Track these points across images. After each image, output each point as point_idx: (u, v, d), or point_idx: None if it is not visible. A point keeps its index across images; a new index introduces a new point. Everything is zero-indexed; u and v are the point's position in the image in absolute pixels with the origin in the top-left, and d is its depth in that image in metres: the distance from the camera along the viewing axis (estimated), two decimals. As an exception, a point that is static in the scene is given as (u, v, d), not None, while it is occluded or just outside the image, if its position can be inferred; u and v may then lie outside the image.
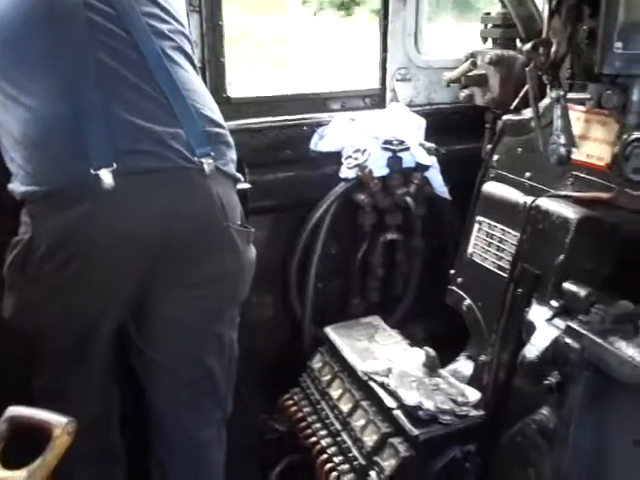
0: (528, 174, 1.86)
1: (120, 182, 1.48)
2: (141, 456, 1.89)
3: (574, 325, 1.48)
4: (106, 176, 1.47)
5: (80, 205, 1.48)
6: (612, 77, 1.37)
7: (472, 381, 1.98)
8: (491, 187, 1.96)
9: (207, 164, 1.59)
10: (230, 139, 1.72)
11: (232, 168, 1.71)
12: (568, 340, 1.47)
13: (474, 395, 1.87)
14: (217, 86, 2.22)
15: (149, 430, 1.86)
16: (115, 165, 1.48)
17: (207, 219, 1.62)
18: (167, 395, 1.80)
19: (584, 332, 1.45)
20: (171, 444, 1.84)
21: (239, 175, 1.75)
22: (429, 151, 2.31)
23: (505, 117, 2.00)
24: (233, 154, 1.73)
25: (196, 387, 1.80)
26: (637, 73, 1.31)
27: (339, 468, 1.92)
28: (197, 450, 1.86)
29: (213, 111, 1.68)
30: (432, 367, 1.97)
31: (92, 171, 1.46)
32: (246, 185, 2.09)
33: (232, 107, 2.23)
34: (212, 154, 1.61)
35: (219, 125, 1.68)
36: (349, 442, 1.94)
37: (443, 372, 1.98)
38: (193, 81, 1.67)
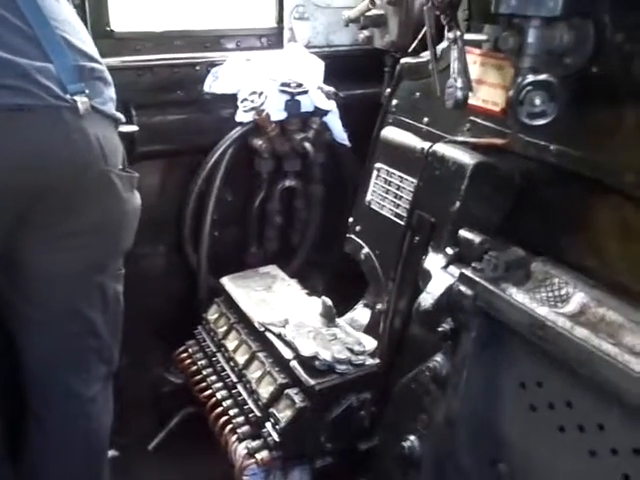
0: (426, 119, 1.83)
1: None
2: (18, 408, 1.78)
3: (467, 272, 1.47)
4: None
5: None
6: (508, 18, 1.33)
7: (369, 329, 1.98)
8: (389, 133, 1.92)
9: (81, 102, 1.45)
10: (108, 75, 1.58)
11: (111, 107, 1.58)
12: (462, 287, 1.47)
13: (370, 344, 1.86)
14: (99, 18, 2.04)
15: (24, 385, 1.74)
16: None
17: (83, 163, 1.49)
18: (46, 352, 1.69)
19: (477, 279, 1.44)
20: (50, 399, 1.75)
21: (119, 115, 1.62)
22: (328, 95, 2.24)
23: (403, 60, 1.94)
24: (112, 92, 1.59)
25: (78, 343, 1.70)
26: (533, 14, 1.27)
27: (234, 421, 1.88)
28: (81, 407, 1.77)
29: (87, 44, 1.53)
30: (329, 317, 1.95)
31: None
32: (133, 127, 1.96)
33: (116, 42, 2.07)
34: (87, 91, 1.47)
35: (94, 60, 1.53)
36: (245, 394, 1.90)
37: (340, 321, 1.96)
38: (64, 12, 1.51)
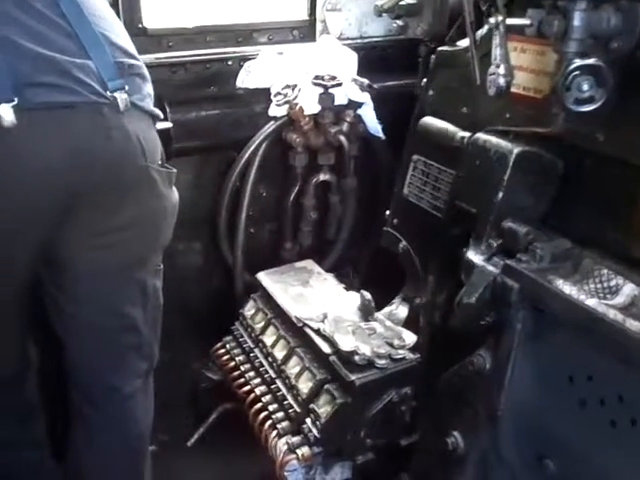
0: (465, 109, 1.79)
1: (22, 119, 1.32)
2: (62, 408, 1.79)
3: (512, 264, 1.44)
4: (6, 112, 1.30)
5: None
6: (553, 1, 1.30)
7: (407, 324, 1.96)
8: (426, 124, 1.88)
9: (121, 99, 1.44)
10: (146, 72, 1.56)
11: (150, 103, 1.56)
12: (506, 279, 1.44)
13: (410, 338, 1.84)
14: (131, 15, 2.03)
15: (69, 384, 1.75)
16: (16, 100, 1.31)
17: (123, 160, 1.48)
18: (88, 349, 1.69)
19: (522, 271, 1.42)
20: (93, 398, 1.75)
21: (158, 111, 1.61)
22: (362, 87, 2.21)
23: (440, 49, 1.91)
24: (150, 88, 1.58)
25: (119, 339, 1.69)
26: (579, -4, 1.23)
27: (274, 416, 1.87)
28: (122, 403, 1.77)
29: (125, 41, 1.52)
30: (368, 311, 1.93)
31: None
32: (168, 124, 1.96)
33: (149, 39, 2.06)
34: (126, 88, 1.45)
35: (133, 56, 1.52)
36: (284, 390, 1.89)
37: (379, 315, 1.94)
38: (102, 8, 1.51)
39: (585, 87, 1.28)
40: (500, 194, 1.54)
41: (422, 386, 1.80)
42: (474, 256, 1.56)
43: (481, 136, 1.63)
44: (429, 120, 1.87)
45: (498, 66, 1.38)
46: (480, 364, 1.56)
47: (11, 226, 1.42)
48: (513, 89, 1.51)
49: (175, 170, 1.68)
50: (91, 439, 1.75)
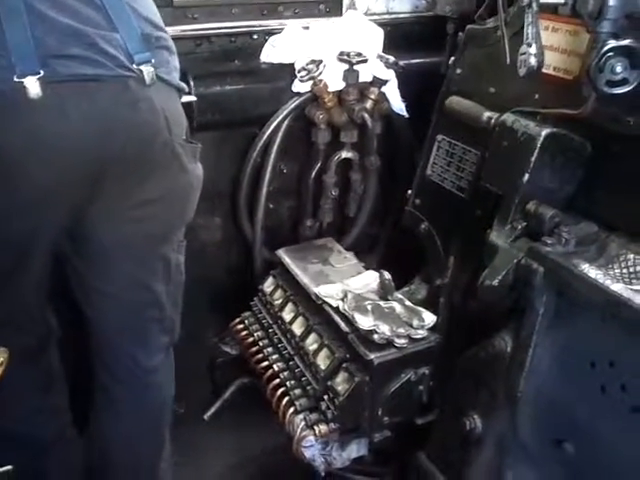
0: (492, 89, 1.77)
1: (49, 91, 1.32)
2: (85, 381, 1.82)
3: (537, 247, 1.43)
4: (32, 84, 1.30)
5: (2, 118, 1.32)
6: (588, -22, 1.28)
7: (426, 304, 1.96)
8: (453, 103, 1.87)
9: (147, 72, 1.43)
10: (172, 44, 1.56)
11: (176, 77, 1.56)
12: (530, 262, 1.43)
13: (429, 318, 1.85)
14: (157, -14, 2.02)
15: (91, 356, 1.78)
16: (42, 72, 1.31)
17: (150, 133, 1.48)
18: (111, 323, 1.71)
19: (547, 254, 1.41)
20: (116, 371, 1.77)
21: (183, 85, 1.61)
22: (387, 64, 2.19)
23: (469, 27, 1.88)
24: (176, 61, 1.58)
25: (142, 313, 1.71)
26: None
27: (291, 393, 1.89)
28: (144, 377, 1.79)
29: (152, 12, 1.51)
30: (387, 290, 1.94)
31: (15, 79, 1.30)
32: (192, 98, 1.96)
33: (175, 11, 2.04)
34: (153, 61, 1.45)
35: (160, 28, 1.52)
36: (302, 366, 1.91)
37: (398, 295, 1.94)
38: None
39: (618, 69, 1.27)
40: (526, 176, 1.53)
41: (441, 366, 1.82)
42: (498, 238, 1.55)
43: (509, 117, 1.61)
44: (455, 99, 1.85)
45: (530, 45, 1.37)
46: (501, 346, 1.56)
47: (38, 199, 1.42)
48: (543, 69, 1.49)
49: (200, 145, 1.68)
50: (114, 412, 1.78)
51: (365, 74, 2.18)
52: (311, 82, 2.13)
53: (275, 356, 2.01)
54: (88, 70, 1.36)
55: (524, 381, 1.52)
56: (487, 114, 1.69)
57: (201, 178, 1.70)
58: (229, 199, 2.29)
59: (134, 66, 1.42)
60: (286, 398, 1.89)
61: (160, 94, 1.48)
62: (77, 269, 1.65)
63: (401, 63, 2.19)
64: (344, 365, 1.79)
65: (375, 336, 1.75)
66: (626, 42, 1.27)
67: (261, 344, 2.08)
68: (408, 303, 1.90)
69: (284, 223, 2.42)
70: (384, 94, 2.24)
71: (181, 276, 1.79)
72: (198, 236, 2.25)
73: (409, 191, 2.07)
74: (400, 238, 2.27)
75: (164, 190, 1.57)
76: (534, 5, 1.34)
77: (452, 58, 1.94)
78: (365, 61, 2.14)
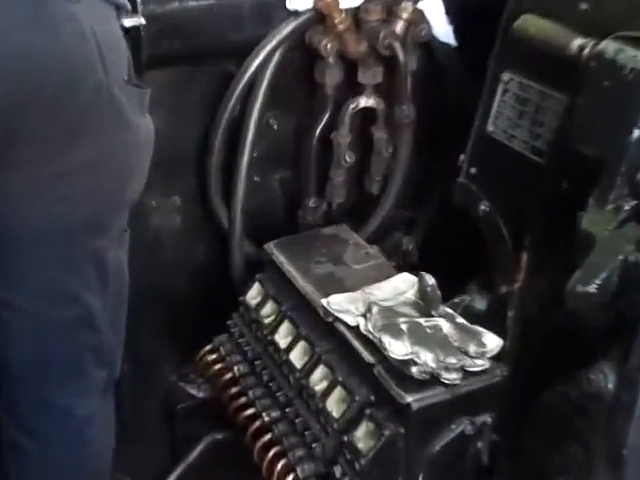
0: (584, 5, 1.79)
1: None
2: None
3: (655, 237, 1.46)
4: None
5: None
6: None
7: (488, 321, 1.98)
8: (526, 25, 1.88)
9: None
10: None
11: None
12: (643, 260, 1.46)
13: (493, 342, 1.87)
14: None
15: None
16: None
17: (76, 69, 1.51)
18: (23, 352, 1.74)
19: (668, 247, 1.44)
20: (30, 421, 1.81)
21: (124, 0, 1.65)
22: (426, -32, 2.22)
23: None
24: None
25: (69, 338, 1.75)
26: None
27: (290, 454, 1.92)
28: (72, 430, 1.83)
29: None
30: (431, 302, 1.96)
31: None
32: (139, 20, 1.97)
33: None
34: None
35: None
36: (305, 415, 1.94)
37: (446, 309, 1.97)
38: None
39: None
40: (637, 132, 1.55)
41: (509, 413, 1.85)
42: (595, 224, 1.57)
43: (610, 45, 1.63)
44: (530, 20, 1.87)
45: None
46: (599, 382, 1.58)
47: None
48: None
49: (149, 89, 1.72)
50: (30, 476, 1.81)
51: (394, -18, 2.21)
52: (314, -5, 2.16)
53: (265, 400, 2.04)
54: None
55: (634, 432, 1.54)
56: (578, 41, 1.70)
57: (152, 137, 1.74)
58: (194, 169, 2.33)
59: None
60: (282, 461, 1.93)
61: (91, 12, 1.51)
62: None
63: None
64: (367, 412, 1.81)
65: (413, 369, 1.78)
66: None
67: (244, 383, 2.11)
68: (461, 320, 1.92)
69: (275, 204, 2.47)
70: (422, 12, 2.26)
71: (123, 284, 1.82)
72: (149, 224, 2.30)
73: (461, 156, 2.08)
74: (447, 225, 2.29)
75: (97, 154, 1.60)
76: None
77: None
78: (393, -38, 2.17)
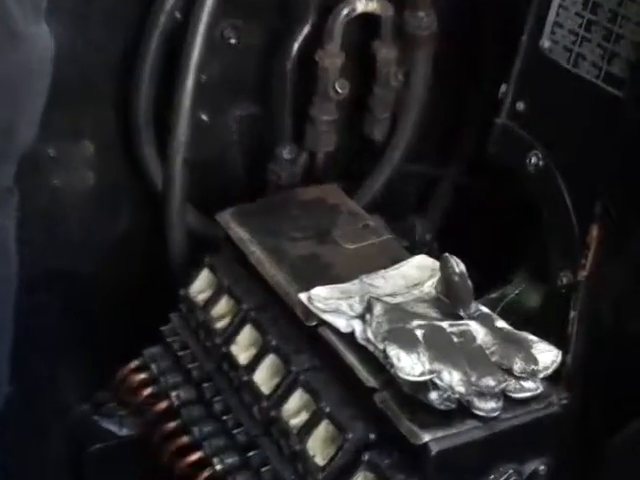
0: None
1: None
2: None
3: None
4: None
5: None
6: None
7: (542, 326, 1.98)
8: None
9: None
10: None
11: None
12: None
13: (548, 356, 1.86)
14: None
15: None
16: None
17: None
18: None
19: None
20: None
21: None
22: None
23: None
24: None
25: None
26: None
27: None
28: None
29: None
30: (458, 297, 1.94)
31: None
32: None
33: None
34: None
35: None
36: (277, 462, 1.92)
37: (481, 307, 1.96)
38: None
39: None
40: None
41: (570, 456, 1.85)
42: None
43: None
44: None
45: None
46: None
47: None
48: None
49: None
50: None
51: None
52: None
53: (217, 441, 2.03)
54: None
55: None
56: None
57: (49, 53, 1.75)
58: (114, 102, 2.32)
59: None
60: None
61: None
62: None
63: None
64: (365, 457, 1.79)
65: (433, 395, 1.76)
66: None
67: (186, 415, 2.10)
68: (502, 324, 1.91)
69: (232, 154, 2.47)
70: None
71: (8, 265, 1.84)
72: (48, 182, 2.28)
73: (502, 86, 2.09)
74: (481, 188, 2.29)
75: None
76: None
77: None
78: None
